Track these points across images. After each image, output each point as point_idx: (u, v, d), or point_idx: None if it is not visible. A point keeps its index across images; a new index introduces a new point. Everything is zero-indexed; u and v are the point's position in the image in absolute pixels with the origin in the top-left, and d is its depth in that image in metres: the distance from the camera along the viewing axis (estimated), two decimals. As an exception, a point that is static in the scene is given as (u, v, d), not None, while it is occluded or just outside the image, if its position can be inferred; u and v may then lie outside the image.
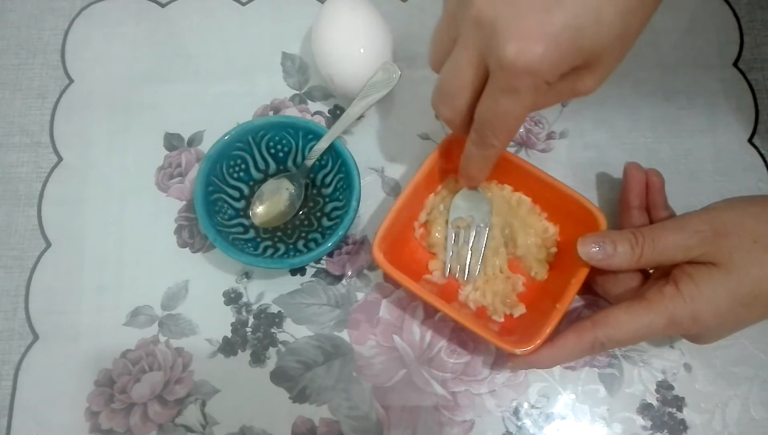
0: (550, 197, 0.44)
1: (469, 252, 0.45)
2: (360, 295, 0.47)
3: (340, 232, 0.43)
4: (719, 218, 0.38)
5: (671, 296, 0.37)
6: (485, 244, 0.45)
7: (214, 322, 0.46)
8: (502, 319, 0.44)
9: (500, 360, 0.45)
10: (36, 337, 0.47)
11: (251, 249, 0.46)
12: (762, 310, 0.37)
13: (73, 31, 0.55)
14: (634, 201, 0.44)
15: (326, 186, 0.48)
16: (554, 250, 0.45)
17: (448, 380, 0.45)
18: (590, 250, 0.39)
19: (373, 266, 0.47)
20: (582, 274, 0.40)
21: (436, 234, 0.46)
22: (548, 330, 0.39)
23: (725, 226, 0.37)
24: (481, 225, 0.44)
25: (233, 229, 0.46)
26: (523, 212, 0.45)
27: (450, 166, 0.46)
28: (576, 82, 0.33)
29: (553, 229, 0.45)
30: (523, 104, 0.32)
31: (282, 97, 0.52)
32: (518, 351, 0.39)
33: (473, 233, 0.45)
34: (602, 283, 0.42)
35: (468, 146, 0.38)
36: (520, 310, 0.44)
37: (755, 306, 0.37)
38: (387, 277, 0.47)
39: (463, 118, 0.36)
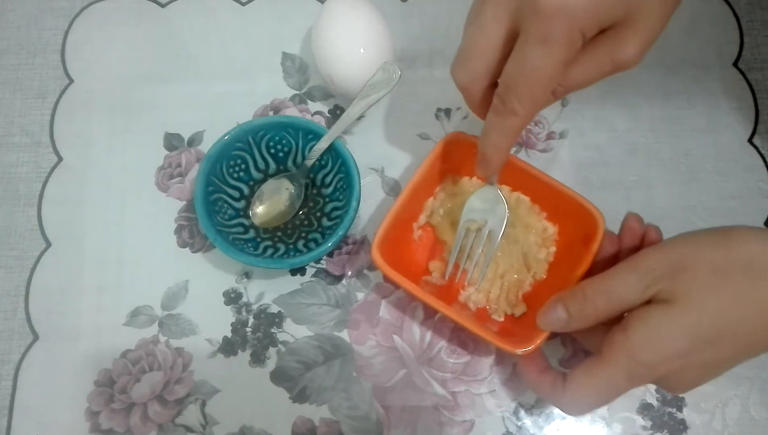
0: (550, 197, 0.44)
1: (478, 256, 0.43)
2: (360, 295, 0.47)
3: (340, 232, 0.43)
4: (675, 253, 0.35)
5: (621, 344, 0.34)
6: (493, 252, 0.43)
7: (214, 322, 0.46)
8: (502, 319, 0.44)
9: (500, 360, 0.45)
10: (36, 337, 0.47)
11: (251, 249, 0.46)
12: (731, 348, 0.33)
13: (73, 31, 0.55)
14: (621, 254, 0.40)
15: (326, 186, 0.48)
16: (553, 249, 0.45)
17: (448, 380, 0.45)
18: (546, 319, 0.37)
19: (372, 266, 0.47)
20: (581, 274, 0.40)
21: (446, 238, 0.45)
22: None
23: (681, 260, 0.34)
24: (495, 229, 0.42)
25: (233, 229, 0.46)
26: (522, 212, 0.45)
27: (448, 166, 0.46)
28: (616, 46, 0.31)
29: (552, 229, 0.45)
30: (554, 58, 0.30)
31: (282, 97, 0.52)
32: (519, 351, 0.39)
33: (484, 237, 0.42)
34: (578, 336, 0.42)
35: (488, 117, 0.35)
36: (521, 309, 0.44)
37: (722, 343, 0.33)
38: (387, 278, 0.47)
39: (480, 84, 0.33)
